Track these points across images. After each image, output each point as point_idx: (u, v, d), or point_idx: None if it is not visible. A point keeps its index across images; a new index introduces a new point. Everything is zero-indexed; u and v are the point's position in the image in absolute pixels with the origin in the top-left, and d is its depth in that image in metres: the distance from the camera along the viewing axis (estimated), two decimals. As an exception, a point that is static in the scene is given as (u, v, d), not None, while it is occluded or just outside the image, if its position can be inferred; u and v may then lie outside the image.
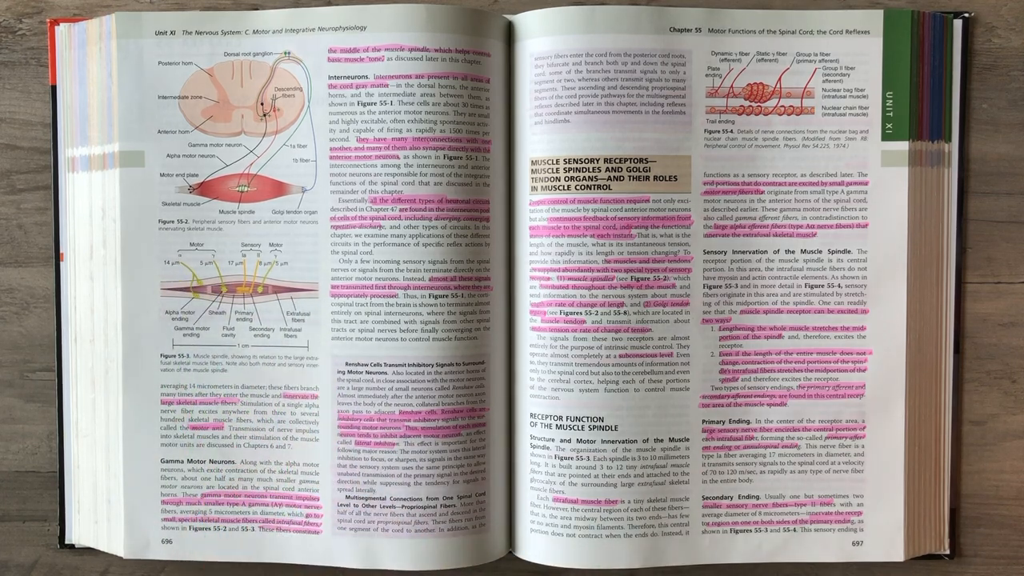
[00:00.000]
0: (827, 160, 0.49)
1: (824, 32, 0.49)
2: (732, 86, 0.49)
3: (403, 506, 0.49)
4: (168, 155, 0.49)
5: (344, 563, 0.50)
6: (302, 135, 0.49)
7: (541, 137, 0.48)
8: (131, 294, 0.50)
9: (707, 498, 0.50)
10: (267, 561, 0.51)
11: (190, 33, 0.49)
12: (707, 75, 0.49)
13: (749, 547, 0.50)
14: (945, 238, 0.51)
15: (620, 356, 0.49)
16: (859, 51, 0.49)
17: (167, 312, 0.50)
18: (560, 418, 0.49)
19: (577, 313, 0.48)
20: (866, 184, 0.49)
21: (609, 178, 0.48)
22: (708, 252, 0.49)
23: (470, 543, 0.49)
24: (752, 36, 0.49)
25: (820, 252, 0.50)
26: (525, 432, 0.50)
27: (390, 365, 0.49)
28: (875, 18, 0.49)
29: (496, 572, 0.52)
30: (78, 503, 0.52)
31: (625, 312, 0.48)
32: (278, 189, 0.49)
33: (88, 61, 0.50)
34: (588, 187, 0.48)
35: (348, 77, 0.48)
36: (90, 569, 0.53)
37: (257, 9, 0.50)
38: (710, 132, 0.49)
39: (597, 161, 0.48)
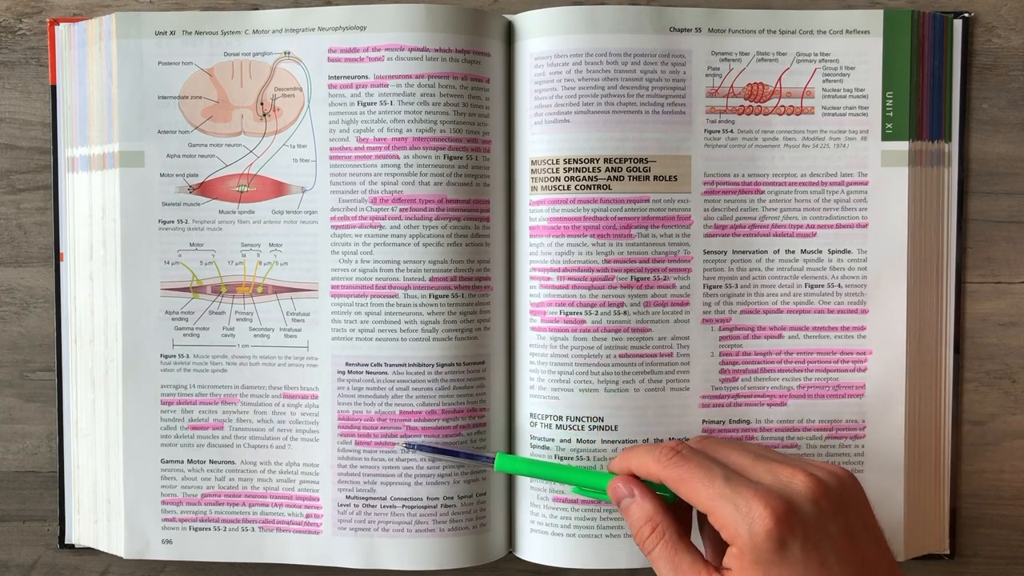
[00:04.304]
0: (827, 160, 0.49)
1: (824, 32, 0.49)
2: (732, 86, 0.49)
3: (403, 506, 0.49)
4: (168, 155, 0.49)
5: (344, 563, 0.50)
6: (302, 135, 0.49)
7: (541, 137, 0.48)
8: (131, 294, 0.50)
9: (707, 498, 0.50)
10: (267, 561, 0.51)
11: (190, 33, 0.49)
12: (707, 75, 0.49)
13: (749, 547, 0.50)
14: (945, 238, 0.51)
15: (620, 356, 0.49)
16: (859, 51, 0.49)
17: (167, 312, 0.50)
18: (560, 418, 0.49)
19: (577, 313, 0.48)
20: (866, 184, 0.49)
21: (609, 178, 0.48)
22: (708, 252, 0.49)
23: (470, 543, 0.49)
24: (752, 36, 0.49)
25: (820, 252, 0.50)
26: (525, 432, 0.50)
27: (390, 365, 0.49)
28: (875, 18, 0.49)
29: (496, 572, 0.52)
30: (78, 503, 0.52)
31: (625, 312, 0.48)
32: (278, 189, 0.49)
33: (88, 61, 0.50)
34: (588, 187, 0.48)
35: (348, 77, 0.49)
36: (90, 569, 0.53)
37: (257, 9, 0.50)
38: (710, 132, 0.49)
39: (597, 161, 0.48)
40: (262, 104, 0.49)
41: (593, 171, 0.48)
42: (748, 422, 0.50)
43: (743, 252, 0.49)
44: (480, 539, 0.50)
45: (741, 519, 0.37)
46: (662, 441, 0.49)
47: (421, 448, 0.48)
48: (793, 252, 0.50)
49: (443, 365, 0.49)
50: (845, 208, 0.49)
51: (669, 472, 0.40)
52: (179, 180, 0.50)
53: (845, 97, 0.49)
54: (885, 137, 0.49)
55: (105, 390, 0.50)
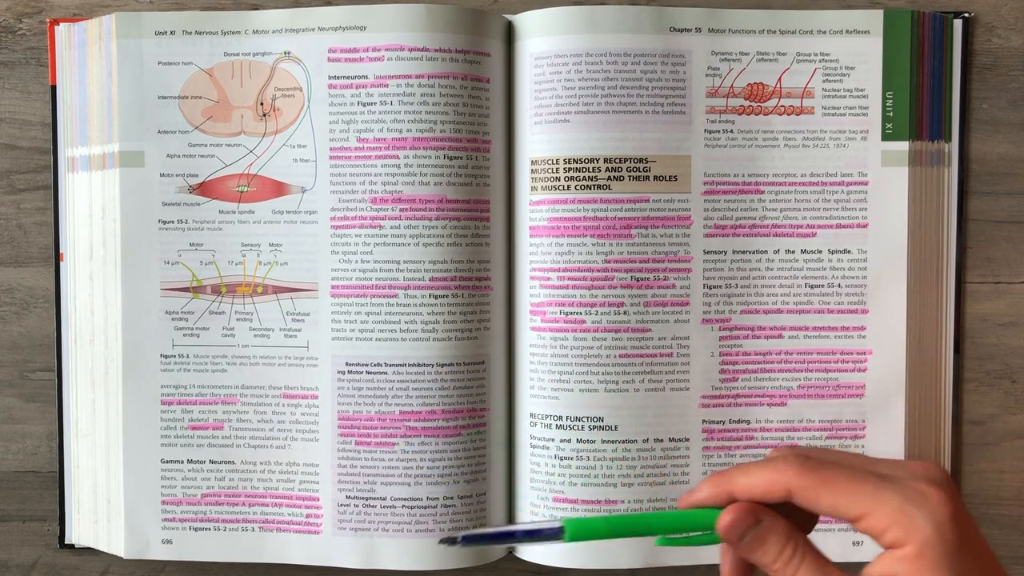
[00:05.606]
0: (827, 160, 0.49)
1: (824, 32, 0.49)
2: (732, 86, 0.49)
3: (403, 506, 0.49)
4: (168, 155, 0.49)
5: (344, 563, 0.50)
6: (302, 135, 0.49)
7: (541, 137, 0.48)
8: (131, 294, 0.50)
9: (707, 498, 0.50)
10: (267, 561, 0.51)
11: (190, 33, 0.49)
12: (707, 75, 0.49)
13: (749, 547, 0.50)
14: (945, 238, 0.51)
15: (620, 356, 0.49)
16: (859, 51, 0.49)
17: (167, 312, 0.50)
18: (560, 418, 0.49)
19: (577, 313, 0.48)
20: (866, 184, 0.49)
21: (609, 178, 0.48)
22: (708, 252, 0.49)
23: (470, 543, 0.49)
24: (752, 36, 0.49)
25: (820, 252, 0.50)
26: (525, 432, 0.50)
27: (390, 365, 0.49)
28: (875, 18, 0.49)
29: (496, 572, 0.52)
30: (78, 503, 0.52)
31: (625, 312, 0.48)
32: (278, 189, 0.49)
33: (88, 61, 0.50)
34: (588, 187, 0.48)
35: (348, 77, 0.48)
36: (90, 569, 0.53)
37: (257, 9, 0.50)
38: (710, 132, 0.49)
39: (597, 161, 0.48)
40: (262, 104, 0.49)
41: (593, 171, 0.48)
42: (748, 422, 0.50)
43: (743, 252, 0.49)
44: (480, 539, 0.50)
45: (918, 511, 0.32)
46: (662, 441, 0.49)
47: (467, 540, 0.35)
48: (793, 252, 0.50)
49: (443, 365, 0.49)
50: (845, 208, 0.49)
51: (809, 478, 0.33)
52: (179, 180, 0.50)
53: (845, 97, 0.49)
54: (885, 137, 0.49)
55: (105, 390, 0.50)
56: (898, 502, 0.32)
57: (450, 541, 0.35)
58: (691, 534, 0.35)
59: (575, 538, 0.35)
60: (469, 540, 0.35)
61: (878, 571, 0.32)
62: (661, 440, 0.49)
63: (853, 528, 0.33)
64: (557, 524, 0.35)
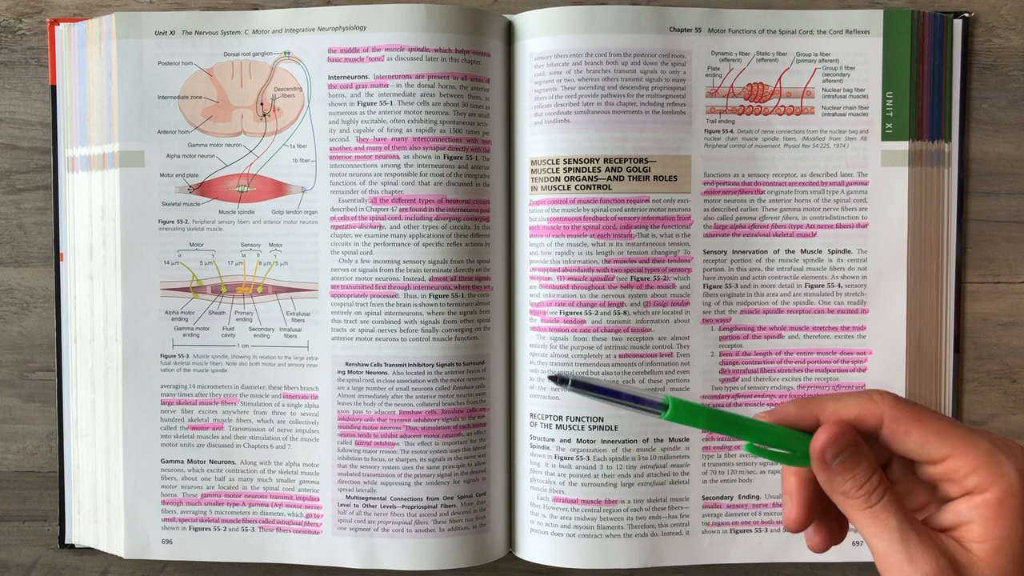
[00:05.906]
0: (827, 160, 0.49)
1: (824, 32, 0.49)
2: (732, 86, 0.49)
3: (403, 506, 0.49)
4: (168, 155, 0.49)
5: (344, 563, 0.50)
6: (302, 135, 0.49)
7: (541, 137, 0.48)
8: (131, 294, 0.50)
9: (707, 498, 0.50)
10: (267, 561, 0.51)
11: (190, 33, 0.49)
12: (707, 75, 0.49)
13: (749, 547, 0.50)
14: (945, 238, 0.51)
15: (620, 356, 0.49)
16: (859, 51, 0.49)
17: (167, 312, 0.50)
18: (560, 418, 0.49)
19: (577, 313, 0.48)
20: (866, 184, 0.49)
21: (609, 178, 0.48)
22: (708, 252, 0.49)
23: (470, 543, 0.49)
24: (752, 36, 0.49)
25: (820, 252, 0.50)
26: (525, 432, 0.50)
27: (390, 365, 0.49)
28: (875, 18, 0.49)
29: (496, 572, 0.52)
30: (78, 503, 0.52)
31: (625, 312, 0.48)
32: (278, 189, 0.49)
33: (88, 61, 0.50)
34: (588, 187, 0.48)
35: (348, 77, 0.49)
36: (90, 569, 0.53)
37: (257, 9, 0.50)
38: (710, 132, 0.49)
39: (597, 161, 0.48)
40: (262, 104, 0.49)
41: (593, 171, 0.48)
42: (748, 422, 0.50)
43: (743, 252, 0.49)
44: (480, 539, 0.50)
45: (1006, 458, 0.32)
46: (662, 441, 0.49)
47: (576, 384, 0.34)
48: (793, 252, 0.50)
49: (443, 365, 0.49)
50: (845, 208, 0.49)
51: (904, 411, 0.33)
52: (179, 180, 0.50)
53: (845, 97, 0.49)
54: (885, 137, 0.49)
55: (105, 390, 0.50)
56: (988, 447, 0.32)
57: (560, 380, 0.34)
58: (776, 450, 0.35)
59: (674, 418, 0.34)
60: (578, 385, 0.34)
61: (950, 520, 0.32)
62: (661, 440, 0.49)
63: (926, 471, 0.33)
64: (660, 399, 0.34)
